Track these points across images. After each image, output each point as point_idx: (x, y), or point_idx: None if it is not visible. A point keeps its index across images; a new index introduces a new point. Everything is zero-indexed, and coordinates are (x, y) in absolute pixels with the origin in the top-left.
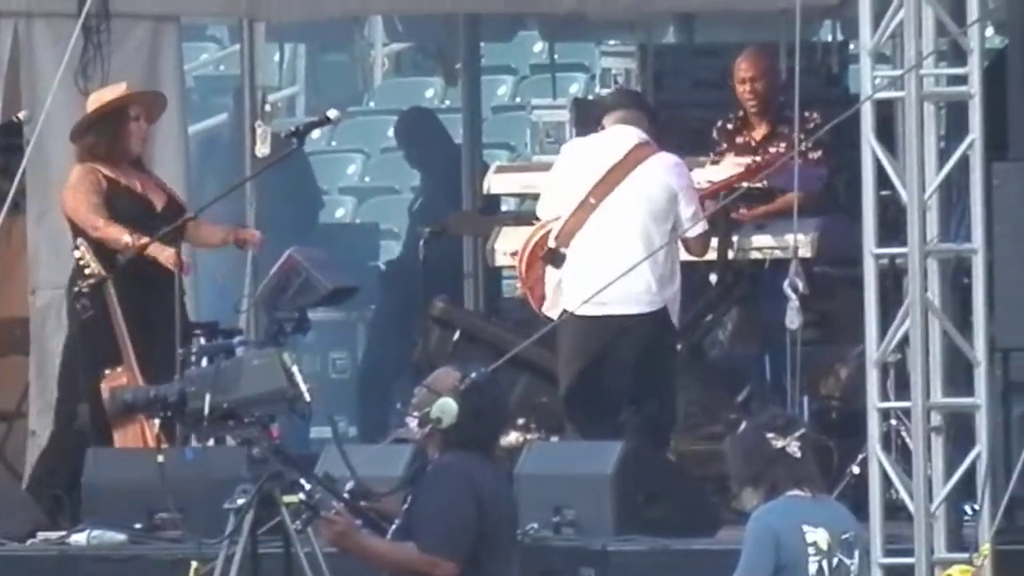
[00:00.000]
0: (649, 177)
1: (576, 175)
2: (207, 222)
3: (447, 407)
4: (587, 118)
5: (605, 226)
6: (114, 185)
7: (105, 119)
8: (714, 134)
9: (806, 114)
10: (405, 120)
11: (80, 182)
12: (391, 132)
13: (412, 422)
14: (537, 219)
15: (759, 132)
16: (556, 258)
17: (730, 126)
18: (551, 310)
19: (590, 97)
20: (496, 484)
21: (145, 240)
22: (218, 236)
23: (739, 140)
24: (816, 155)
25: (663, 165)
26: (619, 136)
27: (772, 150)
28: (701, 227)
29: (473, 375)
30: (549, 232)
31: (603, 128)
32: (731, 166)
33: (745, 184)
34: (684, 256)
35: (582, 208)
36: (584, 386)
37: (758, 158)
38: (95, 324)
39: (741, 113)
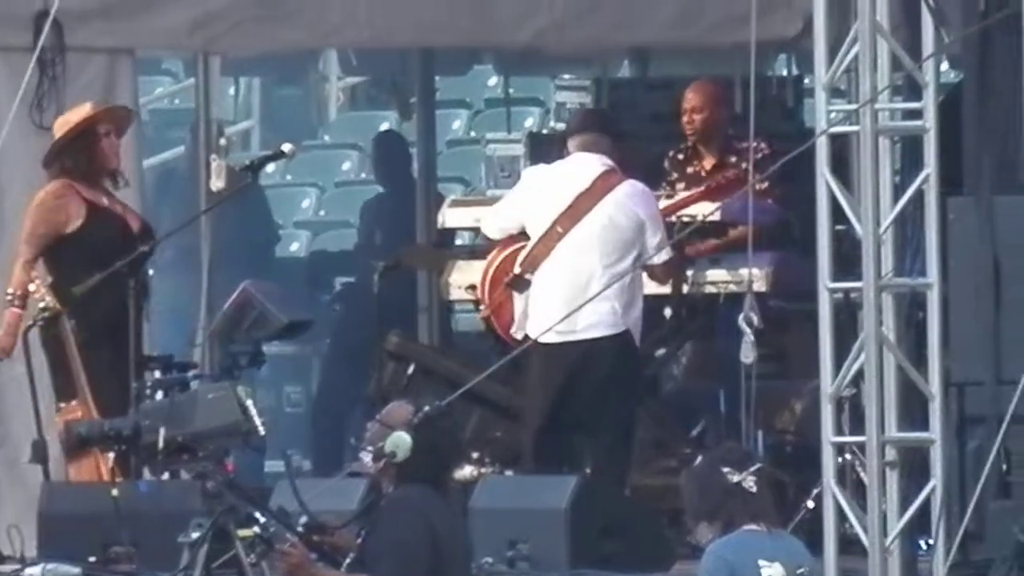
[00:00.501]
0: (616, 206)
1: (542, 202)
2: None
3: (401, 441)
4: (542, 152)
5: (572, 255)
6: (93, 208)
7: (76, 141)
8: (666, 164)
9: (754, 144)
10: (383, 141)
11: (43, 203)
12: (346, 166)
13: (366, 457)
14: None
15: (708, 162)
16: (520, 284)
17: (680, 156)
18: (519, 333)
19: (544, 131)
20: (450, 518)
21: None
22: None
23: (689, 170)
24: (763, 185)
25: (630, 194)
26: (584, 164)
27: (720, 180)
28: (666, 254)
29: (426, 408)
30: (512, 256)
31: (567, 151)
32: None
33: (699, 217)
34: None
35: (549, 236)
36: (556, 415)
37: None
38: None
39: (691, 144)
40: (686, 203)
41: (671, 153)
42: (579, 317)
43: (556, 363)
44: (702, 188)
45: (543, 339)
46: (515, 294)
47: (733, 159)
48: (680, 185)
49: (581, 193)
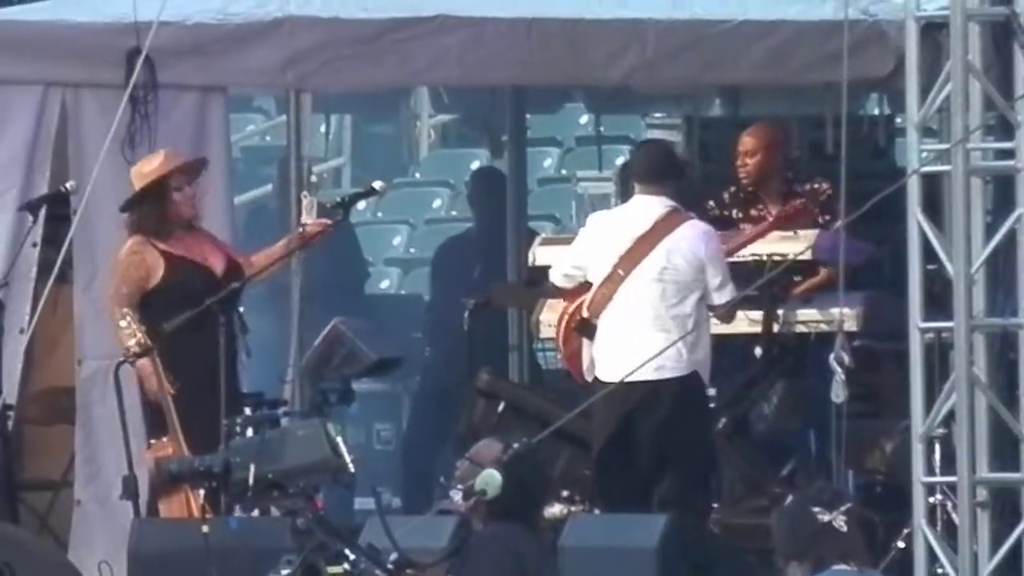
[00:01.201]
0: (675, 248)
1: (604, 246)
2: (260, 252)
3: (491, 479)
4: (633, 190)
5: (633, 296)
6: (170, 259)
7: (148, 195)
8: (725, 197)
9: (816, 185)
10: (482, 176)
11: (121, 262)
12: (437, 203)
13: (456, 495)
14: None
15: (773, 208)
16: (588, 329)
17: (742, 195)
18: (589, 376)
19: None
20: (540, 556)
21: (144, 358)
22: (278, 252)
23: (754, 213)
24: (827, 218)
25: (691, 234)
26: (645, 206)
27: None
28: (728, 294)
29: (515, 446)
30: (582, 303)
31: (632, 187)
32: (781, 243)
33: (790, 256)
34: (726, 329)
35: (611, 279)
36: (615, 453)
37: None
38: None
39: (747, 185)
40: (754, 238)
41: (732, 188)
42: (641, 358)
43: (619, 402)
44: (770, 220)
45: (607, 379)
46: (585, 339)
47: (798, 202)
48: (744, 226)
49: (641, 235)
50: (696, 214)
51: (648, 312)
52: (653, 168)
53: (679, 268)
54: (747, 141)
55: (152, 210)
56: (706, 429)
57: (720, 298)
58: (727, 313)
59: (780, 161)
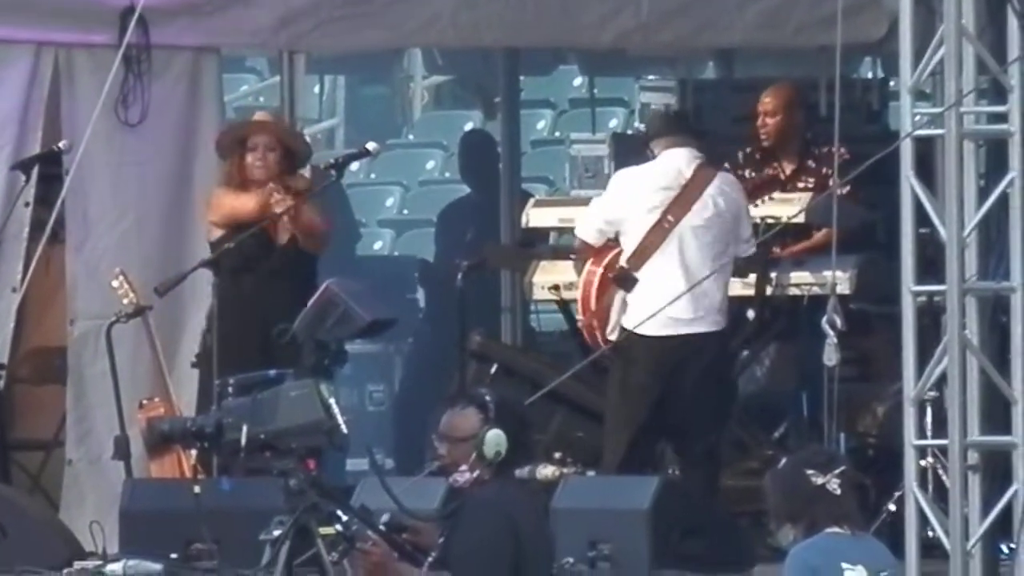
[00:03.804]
0: (721, 194)
1: (644, 199)
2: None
3: (499, 439)
4: (626, 152)
5: (683, 245)
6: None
7: (232, 146)
8: (740, 157)
9: (833, 149)
10: (470, 139)
11: (216, 194)
12: (430, 165)
13: (462, 477)
14: (574, 254)
15: (788, 166)
16: (627, 280)
17: (757, 155)
18: (613, 334)
19: (629, 132)
20: (533, 518)
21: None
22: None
23: (768, 171)
24: (845, 190)
25: (729, 183)
26: (680, 158)
27: (800, 185)
28: (753, 247)
29: (487, 398)
30: (613, 261)
31: (652, 154)
32: (775, 205)
33: (784, 219)
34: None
35: (658, 228)
36: (661, 412)
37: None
38: None
39: (766, 145)
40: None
41: (748, 149)
42: (687, 309)
43: (665, 356)
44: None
45: (646, 331)
46: (616, 298)
47: (812, 164)
48: (757, 182)
49: (686, 184)
50: None
51: (698, 259)
52: (675, 125)
53: (724, 216)
54: (767, 101)
55: (232, 164)
56: (734, 391)
57: (747, 250)
58: (745, 268)
59: (800, 121)
